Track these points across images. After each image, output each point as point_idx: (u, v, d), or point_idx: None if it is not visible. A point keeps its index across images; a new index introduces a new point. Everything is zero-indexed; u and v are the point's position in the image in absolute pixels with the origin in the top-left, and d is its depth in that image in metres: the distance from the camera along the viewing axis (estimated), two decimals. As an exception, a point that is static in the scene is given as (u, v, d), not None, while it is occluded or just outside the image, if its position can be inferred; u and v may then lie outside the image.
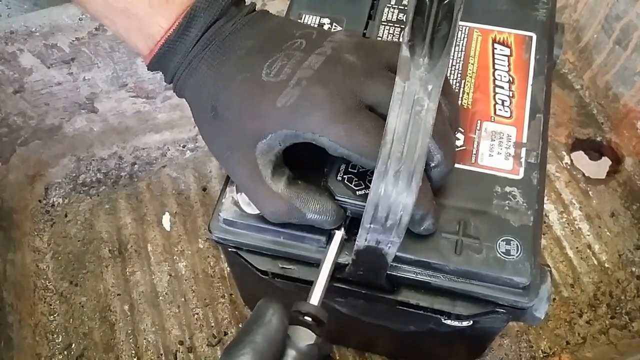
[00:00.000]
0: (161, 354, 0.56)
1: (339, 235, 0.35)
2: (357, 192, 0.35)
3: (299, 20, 0.44)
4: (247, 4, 0.37)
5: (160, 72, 0.37)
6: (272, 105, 0.33)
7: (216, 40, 0.35)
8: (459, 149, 0.38)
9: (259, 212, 0.36)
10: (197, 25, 0.35)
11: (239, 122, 0.34)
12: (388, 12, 0.44)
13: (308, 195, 0.34)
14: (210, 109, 0.35)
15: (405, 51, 0.30)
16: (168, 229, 0.63)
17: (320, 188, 0.36)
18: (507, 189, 0.37)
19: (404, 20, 0.43)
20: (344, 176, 0.36)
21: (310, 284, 0.38)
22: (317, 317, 0.31)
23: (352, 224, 0.36)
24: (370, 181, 0.32)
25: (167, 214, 0.64)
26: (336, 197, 0.35)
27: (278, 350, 0.29)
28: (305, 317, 0.31)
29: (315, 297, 0.33)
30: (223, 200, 0.37)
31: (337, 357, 0.55)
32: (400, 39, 0.42)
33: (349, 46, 0.35)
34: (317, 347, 0.30)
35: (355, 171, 0.36)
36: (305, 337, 0.30)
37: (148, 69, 0.37)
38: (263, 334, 0.28)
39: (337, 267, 0.36)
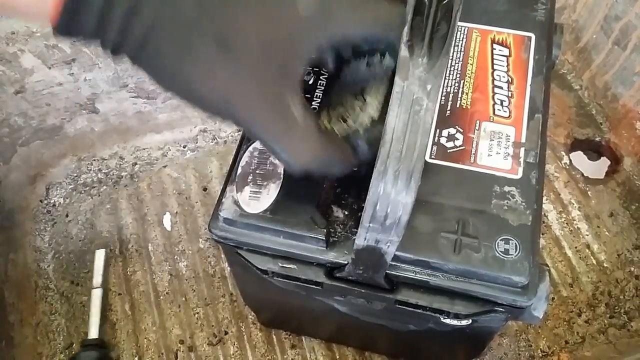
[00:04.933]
0: (162, 353, 0.56)
1: (101, 253, 0.36)
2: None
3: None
4: None
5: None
6: (295, 15, 0.28)
7: None
8: (457, 148, 0.39)
9: (259, 211, 0.36)
10: None
11: (260, 47, 0.27)
12: (387, 13, 0.44)
13: (337, 142, 0.31)
14: (215, 45, 0.27)
15: (404, 51, 0.30)
16: (169, 228, 0.63)
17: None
18: (506, 188, 0.37)
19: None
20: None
21: (310, 283, 0.38)
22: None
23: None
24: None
25: (167, 213, 0.64)
26: None
27: None
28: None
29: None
30: (223, 199, 0.37)
31: (337, 357, 0.55)
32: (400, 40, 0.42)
33: None
34: None
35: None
36: None
37: (56, 32, 0.26)
38: None
39: (336, 267, 0.37)
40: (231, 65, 0.27)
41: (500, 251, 0.35)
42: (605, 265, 0.59)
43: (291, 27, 0.28)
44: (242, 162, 0.38)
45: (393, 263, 0.35)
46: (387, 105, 0.29)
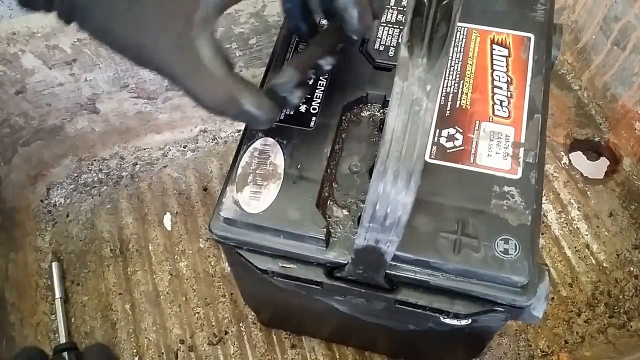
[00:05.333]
0: (162, 353, 0.56)
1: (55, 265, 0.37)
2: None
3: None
4: None
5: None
6: None
7: None
8: (457, 149, 0.39)
9: (259, 211, 0.36)
10: None
11: None
12: (387, 13, 0.45)
13: (248, 86, 0.33)
14: None
15: (404, 51, 0.30)
16: (169, 228, 0.63)
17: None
18: (506, 188, 0.37)
19: (403, 21, 0.44)
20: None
21: (310, 283, 0.38)
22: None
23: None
24: None
25: (168, 213, 0.64)
26: None
27: None
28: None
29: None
30: (223, 199, 0.37)
31: (337, 357, 0.55)
32: (399, 40, 0.43)
33: None
34: None
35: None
36: None
37: (18, 3, 0.31)
38: None
39: (336, 266, 0.37)
40: (138, 13, 0.31)
41: (500, 251, 0.35)
42: (604, 265, 0.59)
43: None
44: (242, 162, 0.39)
45: (393, 263, 0.35)
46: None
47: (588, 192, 0.63)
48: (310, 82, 0.41)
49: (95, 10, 0.31)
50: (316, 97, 0.41)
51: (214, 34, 0.32)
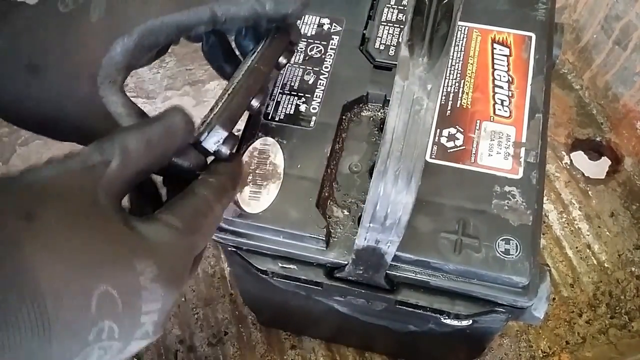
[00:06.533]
0: (161, 353, 0.56)
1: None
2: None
3: (300, 21, 0.44)
4: None
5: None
6: (88, 24, 0.30)
7: None
8: (458, 148, 0.39)
9: (259, 211, 0.36)
10: None
11: (67, 60, 0.30)
12: (387, 12, 0.44)
13: None
14: (26, 70, 0.30)
15: (404, 51, 0.30)
16: (168, 228, 0.63)
17: None
18: (507, 188, 0.37)
19: (404, 20, 0.43)
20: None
21: (310, 283, 0.38)
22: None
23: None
24: None
25: (167, 213, 0.64)
26: None
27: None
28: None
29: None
30: (223, 199, 0.37)
31: (337, 357, 0.55)
32: (400, 39, 0.42)
33: None
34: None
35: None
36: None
37: None
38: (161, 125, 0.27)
39: (336, 267, 0.37)
40: (41, 84, 0.30)
41: (501, 251, 0.35)
42: (606, 265, 0.59)
43: (83, 35, 0.30)
44: (242, 162, 0.38)
45: (393, 263, 0.35)
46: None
47: (589, 192, 0.63)
48: (310, 82, 0.41)
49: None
50: (316, 97, 0.41)
51: (122, 87, 0.31)
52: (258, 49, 0.35)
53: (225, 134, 0.31)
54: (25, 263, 0.21)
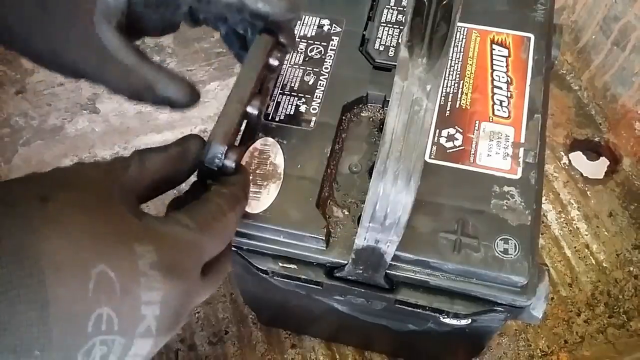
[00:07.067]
0: (162, 352, 0.56)
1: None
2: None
3: (300, 21, 0.44)
4: None
5: None
6: None
7: None
8: (457, 149, 0.39)
9: (259, 211, 0.36)
10: None
11: None
12: (387, 13, 0.45)
13: (161, 71, 0.33)
14: (36, 4, 0.32)
15: (404, 51, 0.30)
16: (169, 228, 0.63)
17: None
18: (505, 188, 0.37)
19: (403, 21, 0.44)
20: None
21: (310, 283, 0.38)
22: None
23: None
24: None
25: (168, 213, 0.64)
26: None
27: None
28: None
29: None
30: (224, 199, 0.37)
31: (337, 356, 0.55)
32: (400, 40, 0.43)
33: None
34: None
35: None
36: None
37: None
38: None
39: (336, 266, 0.37)
40: (48, 17, 0.32)
41: (500, 251, 0.35)
42: (604, 265, 0.59)
43: None
44: (242, 162, 0.38)
45: (393, 263, 0.35)
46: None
47: (588, 192, 0.64)
48: (310, 82, 0.41)
49: (13, 21, 0.32)
50: (316, 97, 0.41)
51: (120, 28, 0.33)
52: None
53: (224, 148, 0.31)
54: (31, 236, 0.22)
